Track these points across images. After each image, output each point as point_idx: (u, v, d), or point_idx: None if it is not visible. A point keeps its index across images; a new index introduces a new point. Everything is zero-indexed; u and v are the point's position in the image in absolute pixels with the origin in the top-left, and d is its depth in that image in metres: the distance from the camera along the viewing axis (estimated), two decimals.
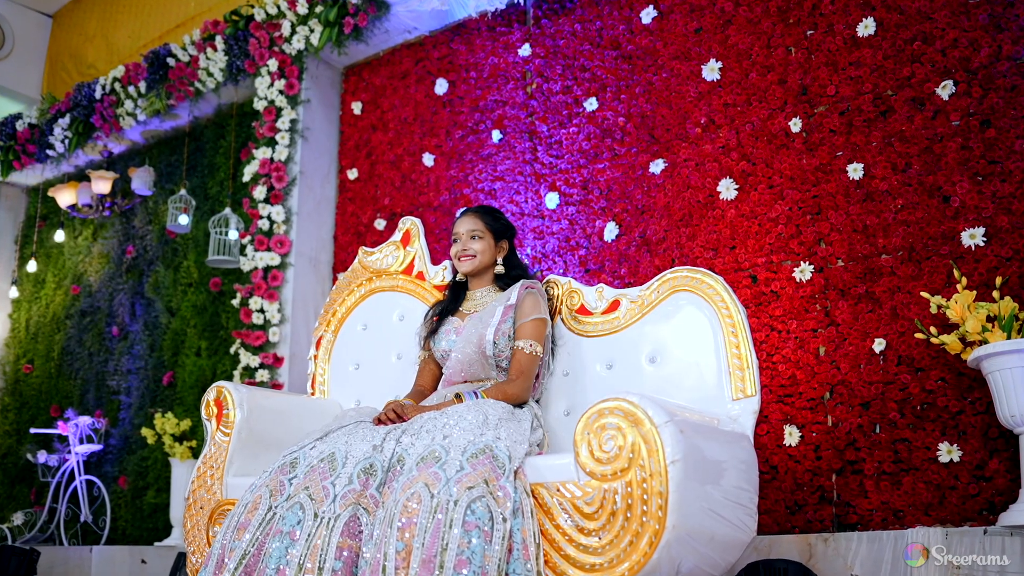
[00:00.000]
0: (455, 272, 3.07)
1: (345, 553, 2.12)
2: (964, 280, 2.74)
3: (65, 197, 5.91)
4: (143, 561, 4.53)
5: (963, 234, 2.94)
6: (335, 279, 4.65)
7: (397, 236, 3.51)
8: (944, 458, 2.84)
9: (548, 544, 2.14)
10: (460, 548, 2.00)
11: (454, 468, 2.14)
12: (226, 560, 2.20)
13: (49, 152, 6.16)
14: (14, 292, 6.59)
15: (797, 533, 2.98)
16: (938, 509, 2.84)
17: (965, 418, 2.84)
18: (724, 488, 2.22)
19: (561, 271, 3.87)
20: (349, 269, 3.59)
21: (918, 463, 2.90)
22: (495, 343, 2.80)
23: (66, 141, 6.04)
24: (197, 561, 2.79)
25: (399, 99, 4.78)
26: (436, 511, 2.06)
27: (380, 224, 4.70)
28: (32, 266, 6.31)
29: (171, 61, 5.33)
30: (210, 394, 2.99)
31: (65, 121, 6.01)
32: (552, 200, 3.99)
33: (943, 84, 3.06)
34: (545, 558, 2.13)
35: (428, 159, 4.55)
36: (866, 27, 3.27)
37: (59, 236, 6.21)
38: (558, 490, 2.17)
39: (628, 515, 2.01)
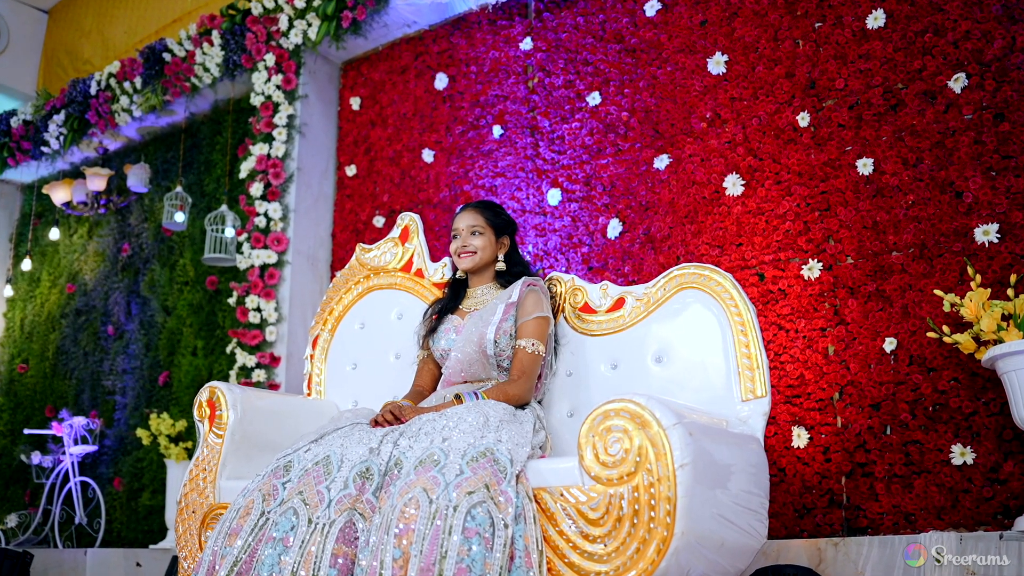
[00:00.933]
0: (455, 269, 3.00)
1: (340, 561, 2.05)
2: (978, 277, 2.67)
3: (60, 194, 5.84)
4: (138, 564, 4.46)
5: (976, 230, 2.87)
6: (333, 277, 4.58)
7: (395, 232, 3.43)
8: (957, 460, 2.77)
9: (551, 551, 2.06)
10: (460, 556, 1.92)
11: (453, 472, 2.07)
12: (217, 567, 2.13)
13: (44, 149, 6.09)
14: (9, 291, 6.53)
15: (806, 537, 2.91)
16: (951, 513, 2.77)
17: (979, 419, 2.77)
18: (734, 493, 2.15)
19: (563, 269, 3.80)
20: (346, 266, 3.52)
21: (930, 466, 2.82)
22: (496, 342, 2.73)
23: (61, 138, 5.98)
24: (189, 567, 2.71)
25: (398, 94, 4.71)
26: (435, 517, 1.98)
27: (379, 221, 4.63)
28: (27, 264, 6.24)
29: (167, 56, 5.27)
30: (203, 394, 2.91)
31: (60, 117, 5.94)
32: (554, 196, 3.92)
33: (955, 77, 2.99)
34: (548, 566, 2.05)
35: (428, 155, 4.48)
36: (876, 19, 3.20)
37: (54, 234, 6.15)
38: (562, 495, 2.09)
39: (635, 521, 1.94)
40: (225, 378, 4.74)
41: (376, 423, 2.48)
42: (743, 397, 2.41)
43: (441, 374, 2.90)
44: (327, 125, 4.97)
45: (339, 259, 4.80)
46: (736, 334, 2.46)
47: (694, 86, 3.60)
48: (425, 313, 3.03)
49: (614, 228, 3.70)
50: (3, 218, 6.83)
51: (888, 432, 2.92)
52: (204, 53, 5.09)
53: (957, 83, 2.99)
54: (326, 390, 3.42)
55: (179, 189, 5.12)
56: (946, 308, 2.70)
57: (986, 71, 2.95)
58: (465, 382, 2.79)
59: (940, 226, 2.95)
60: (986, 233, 2.84)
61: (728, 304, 2.50)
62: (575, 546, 2.04)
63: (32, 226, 6.54)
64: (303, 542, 2.08)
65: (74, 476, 5.39)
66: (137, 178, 5.50)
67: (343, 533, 2.09)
